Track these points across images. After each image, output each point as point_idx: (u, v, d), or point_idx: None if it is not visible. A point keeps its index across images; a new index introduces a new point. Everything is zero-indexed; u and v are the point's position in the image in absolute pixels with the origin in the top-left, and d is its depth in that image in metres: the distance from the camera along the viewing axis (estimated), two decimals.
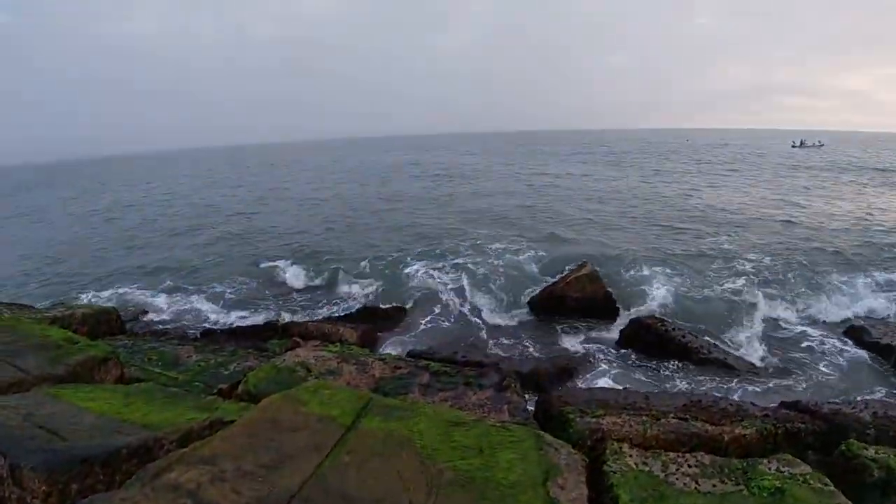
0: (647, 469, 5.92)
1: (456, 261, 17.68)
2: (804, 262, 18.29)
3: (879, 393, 10.14)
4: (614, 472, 5.74)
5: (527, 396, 8.31)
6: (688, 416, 7.69)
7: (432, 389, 7.91)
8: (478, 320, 12.39)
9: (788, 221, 26.77)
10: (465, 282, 15.15)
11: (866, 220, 27.28)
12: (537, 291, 14.30)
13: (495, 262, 17.24)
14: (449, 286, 15.11)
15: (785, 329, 13.35)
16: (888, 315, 14.57)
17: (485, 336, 11.43)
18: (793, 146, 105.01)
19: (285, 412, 5.66)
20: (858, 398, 9.42)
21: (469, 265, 16.93)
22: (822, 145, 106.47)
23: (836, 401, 9.32)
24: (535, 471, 5.28)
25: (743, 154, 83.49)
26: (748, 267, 17.71)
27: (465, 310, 13.38)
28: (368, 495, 4.60)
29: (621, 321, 12.87)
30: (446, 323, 11.73)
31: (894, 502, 6.31)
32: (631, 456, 6.11)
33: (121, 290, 17.86)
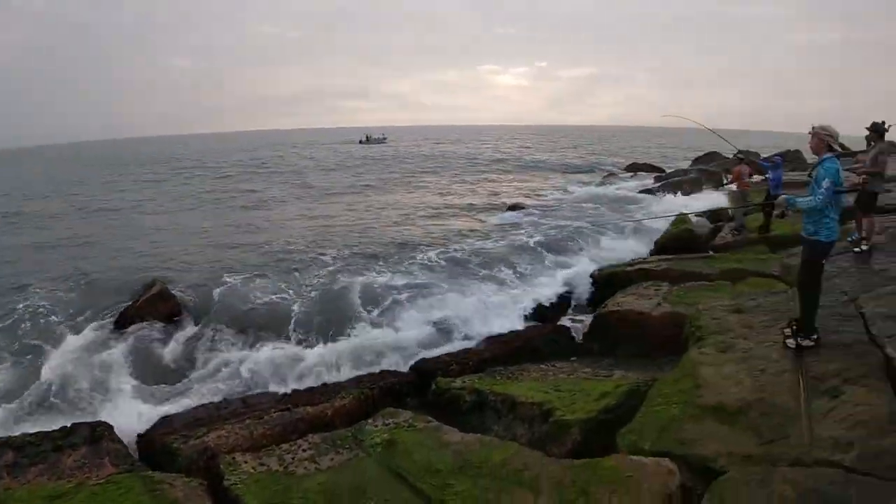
0: (265, 468, 6.29)
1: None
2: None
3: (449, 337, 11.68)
4: (235, 485, 5.98)
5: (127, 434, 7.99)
6: (289, 406, 8.21)
7: (21, 468, 6.99)
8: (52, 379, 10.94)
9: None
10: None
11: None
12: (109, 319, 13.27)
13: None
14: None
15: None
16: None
17: (59, 384, 10.25)
18: (360, 142, 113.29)
19: None
20: (434, 345, 11.04)
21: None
22: (385, 139, 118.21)
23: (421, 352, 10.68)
24: None
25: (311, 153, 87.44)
26: (328, 258, 18.63)
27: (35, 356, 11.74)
28: None
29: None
30: (20, 388, 10.25)
31: (489, 415, 7.48)
32: (246, 462, 6.42)
33: None
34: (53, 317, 13.42)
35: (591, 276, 14.35)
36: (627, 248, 18.40)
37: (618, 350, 10.21)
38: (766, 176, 16.22)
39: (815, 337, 6.89)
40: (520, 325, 11.76)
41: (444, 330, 11.65)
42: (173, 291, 14.23)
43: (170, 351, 11.53)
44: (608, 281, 13.51)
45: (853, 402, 5.67)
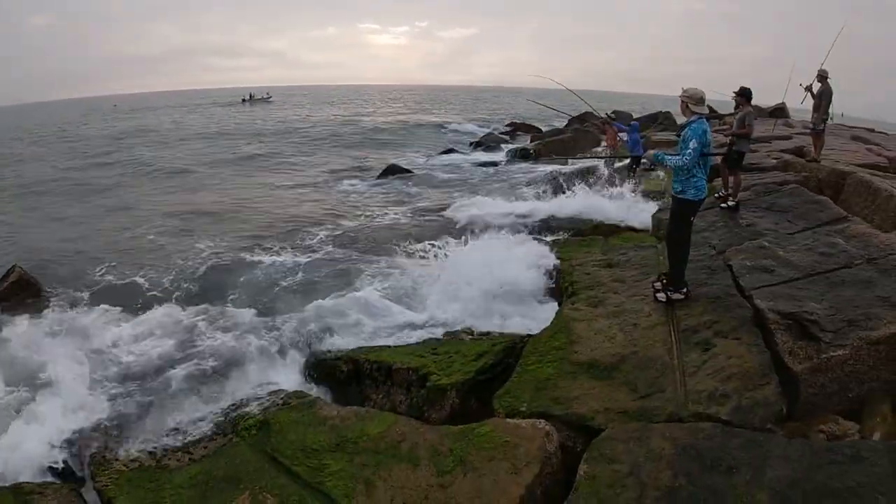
0: (137, 465, 6.08)
1: None
2: None
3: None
4: (107, 486, 5.74)
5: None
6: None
7: None
8: None
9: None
10: None
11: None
12: None
13: None
14: None
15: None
16: None
17: None
18: (243, 101, 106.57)
19: None
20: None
21: None
22: (271, 98, 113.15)
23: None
24: None
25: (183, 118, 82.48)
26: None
27: None
28: None
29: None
30: None
31: (367, 385, 7.41)
32: (117, 459, 6.19)
33: None
34: None
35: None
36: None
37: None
38: (623, 138, 16.88)
39: (685, 290, 7.19)
40: None
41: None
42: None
43: (32, 341, 10.80)
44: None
45: (725, 354, 5.94)
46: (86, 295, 12.79)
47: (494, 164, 28.05)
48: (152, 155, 36.09)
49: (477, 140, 39.09)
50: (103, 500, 5.68)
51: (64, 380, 8.85)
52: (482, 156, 31.49)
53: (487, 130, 46.67)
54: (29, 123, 77.58)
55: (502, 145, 35.50)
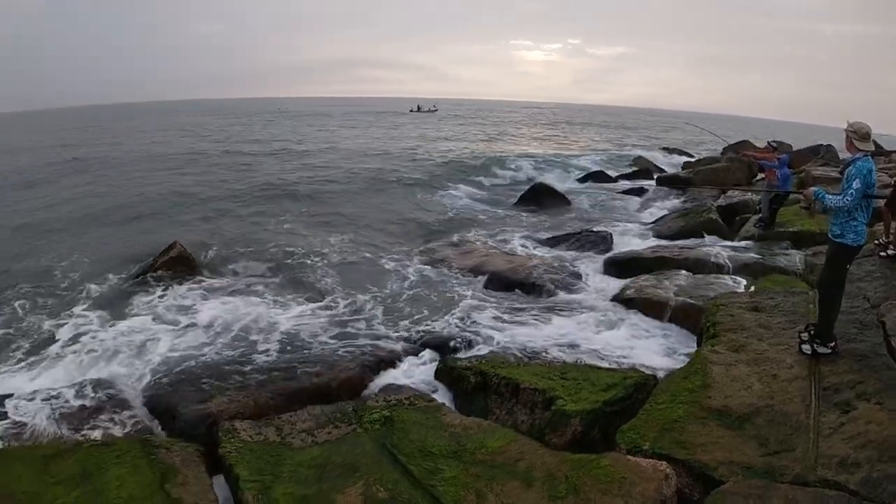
0: (262, 438, 6.38)
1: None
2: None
3: (476, 309, 11.71)
4: (230, 452, 6.07)
5: (135, 395, 8.20)
6: (294, 374, 8.27)
7: (24, 420, 7.36)
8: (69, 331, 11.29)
9: None
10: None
11: None
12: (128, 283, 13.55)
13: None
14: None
15: (396, 263, 15.01)
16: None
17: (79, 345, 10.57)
18: (411, 111, 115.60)
19: None
20: (454, 316, 10.97)
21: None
22: (436, 109, 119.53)
23: (436, 323, 10.73)
24: (149, 479, 5.49)
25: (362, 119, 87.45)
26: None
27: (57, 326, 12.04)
28: None
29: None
30: (36, 347, 10.56)
31: (493, 399, 7.40)
32: (245, 430, 6.50)
33: None
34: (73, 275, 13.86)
35: (608, 259, 14.28)
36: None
37: (632, 331, 10.04)
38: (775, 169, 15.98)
39: (833, 344, 6.82)
40: None
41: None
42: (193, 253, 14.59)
43: (187, 314, 11.66)
44: (626, 264, 13.38)
45: (865, 419, 5.61)
46: (235, 277, 13.93)
47: (642, 190, 27.08)
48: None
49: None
50: (224, 466, 6.00)
51: (206, 352, 9.58)
52: (627, 183, 30.37)
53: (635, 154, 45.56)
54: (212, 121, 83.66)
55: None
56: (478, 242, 16.94)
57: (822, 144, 39.36)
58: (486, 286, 12.78)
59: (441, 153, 40.30)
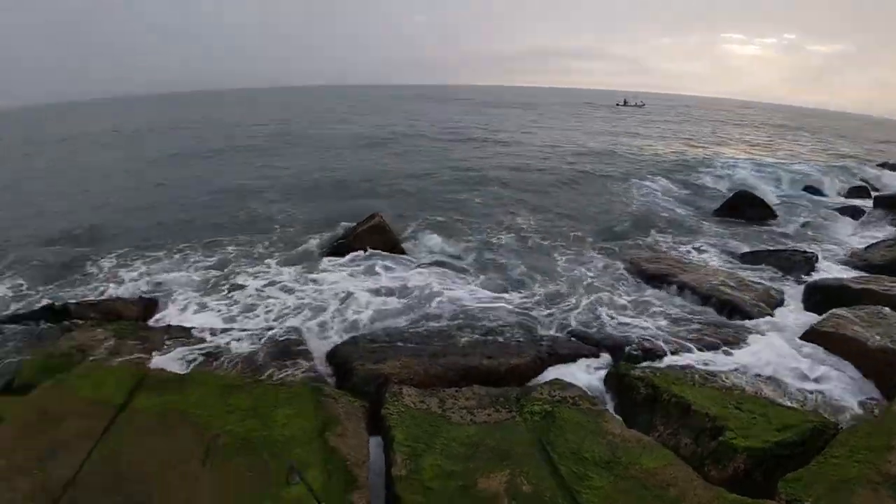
0: (425, 407, 6.51)
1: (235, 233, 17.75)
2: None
3: (652, 315, 11.36)
4: (391, 415, 6.27)
5: (317, 348, 8.83)
6: (467, 352, 8.38)
7: (218, 354, 8.31)
8: (261, 284, 12.41)
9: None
10: (250, 254, 15.07)
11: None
12: (327, 246, 14.56)
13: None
14: (225, 259, 14.97)
15: (582, 258, 14.84)
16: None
17: (273, 298, 11.53)
18: (617, 105, 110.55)
19: (55, 400, 5.91)
20: (631, 322, 10.58)
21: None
22: (644, 104, 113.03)
23: (611, 325, 10.42)
24: (313, 423, 5.83)
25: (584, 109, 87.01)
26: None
27: (249, 278, 13.28)
28: (145, 471, 5.03)
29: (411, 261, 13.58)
30: (237, 291, 11.80)
31: (661, 416, 7.03)
32: (409, 396, 6.68)
33: None
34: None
35: (810, 285, 13.07)
36: None
37: (825, 372, 9.05)
38: None
39: None
40: None
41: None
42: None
43: (377, 280, 12.28)
44: (828, 293, 12.13)
45: None
46: (428, 253, 14.67)
47: (858, 210, 23.93)
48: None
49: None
50: (384, 427, 6.19)
51: (401, 319, 10.08)
52: (841, 200, 27.15)
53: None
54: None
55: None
56: (667, 247, 16.42)
57: None
58: (671, 296, 12.23)
59: (644, 150, 39.09)
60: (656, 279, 13.01)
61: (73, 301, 11.06)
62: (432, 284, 11.80)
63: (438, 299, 11.02)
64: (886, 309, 10.18)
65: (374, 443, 6.08)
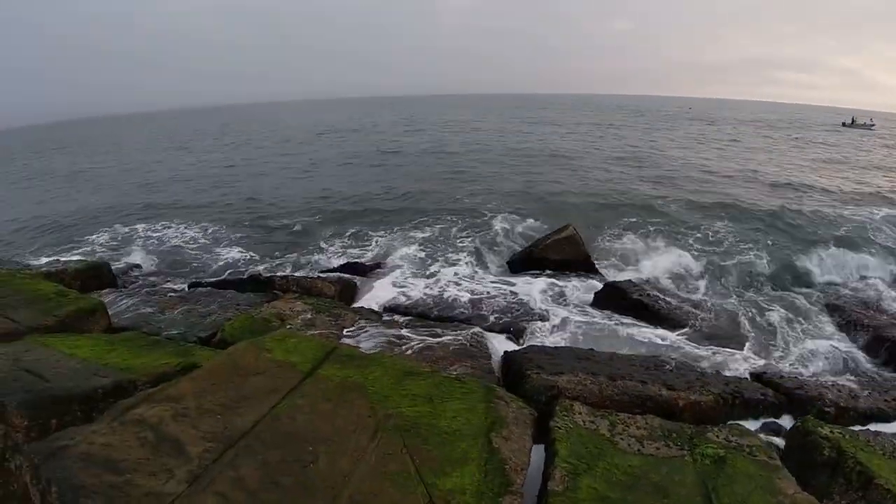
0: (594, 427, 6.43)
1: (438, 222, 18.49)
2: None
3: (837, 367, 10.58)
4: (559, 428, 6.27)
5: (495, 351, 8.99)
6: (646, 380, 8.12)
7: (402, 341, 8.72)
8: (453, 282, 12.78)
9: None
10: (448, 242, 15.57)
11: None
12: (518, 252, 14.72)
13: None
14: (426, 247, 15.59)
15: (770, 297, 13.96)
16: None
17: (461, 294, 11.86)
18: (843, 125, 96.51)
19: (248, 358, 6.42)
20: (826, 377, 9.86)
21: (452, 228, 17.84)
22: (874, 125, 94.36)
23: (804, 377, 9.71)
24: (480, 421, 5.93)
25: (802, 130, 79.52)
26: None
27: (444, 268, 13.77)
28: (316, 435, 5.33)
29: (599, 283, 12.96)
30: (424, 281, 12.33)
31: (841, 483, 6.48)
32: (580, 413, 6.62)
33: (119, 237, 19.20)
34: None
35: None
36: None
37: None
38: None
39: None
40: None
41: None
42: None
43: (562, 289, 12.31)
44: None
45: None
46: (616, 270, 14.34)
47: None
48: None
49: None
50: (549, 439, 6.20)
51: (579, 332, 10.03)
52: None
53: None
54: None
55: None
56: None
57: None
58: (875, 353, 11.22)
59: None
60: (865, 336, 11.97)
61: (281, 274, 12.00)
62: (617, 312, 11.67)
63: (619, 325, 10.88)
64: None
65: (536, 452, 6.07)
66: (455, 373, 7.50)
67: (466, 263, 13.64)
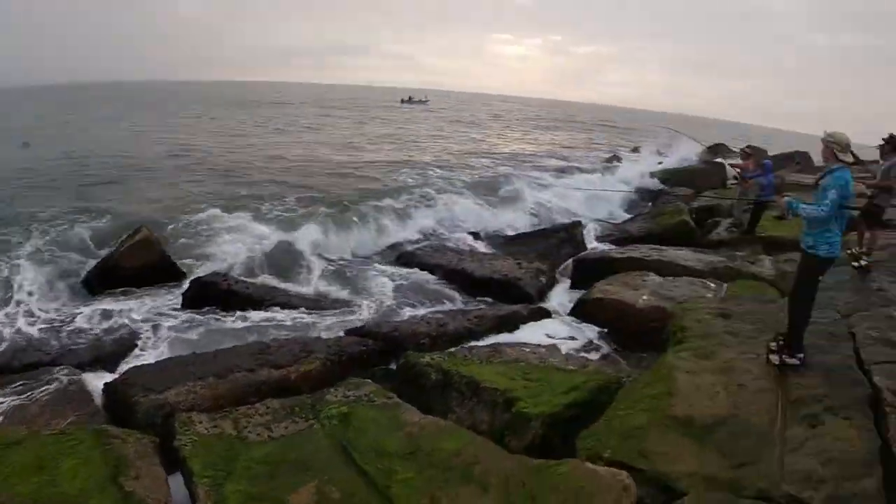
0: (219, 431, 6.21)
1: None
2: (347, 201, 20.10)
3: (432, 305, 11.85)
4: (185, 445, 5.93)
5: (95, 388, 8.03)
6: (254, 367, 7.99)
7: None
8: (25, 313, 11.02)
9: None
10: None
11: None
12: (92, 267, 13.17)
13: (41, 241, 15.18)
14: None
15: (344, 262, 14.81)
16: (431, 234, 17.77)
17: (37, 331, 10.30)
18: (402, 101, 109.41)
19: None
20: (415, 313, 11.12)
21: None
22: (428, 101, 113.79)
23: (397, 319, 10.77)
24: (102, 470, 5.32)
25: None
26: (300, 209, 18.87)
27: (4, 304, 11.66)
28: None
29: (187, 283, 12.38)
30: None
31: (455, 397, 7.26)
32: (201, 423, 6.33)
33: None
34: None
35: (577, 259, 14.24)
36: None
37: (598, 339, 10.10)
38: (757, 177, 15.97)
39: (801, 356, 6.70)
40: None
41: None
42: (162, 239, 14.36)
43: (147, 303, 11.52)
44: (595, 265, 13.32)
45: (832, 434, 5.50)
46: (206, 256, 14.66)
47: (616, 191, 25.79)
48: None
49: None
50: (180, 460, 5.83)
51: (169, 342, 9.52)
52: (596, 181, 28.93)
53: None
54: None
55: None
56: (451, 243, 16.90)
57: (797, 151, 39.35)
58: (454, 286, 12.99)
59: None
60: (442, 273, 13.71)
61: None
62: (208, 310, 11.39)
63: (217, 318, 10.71)
64: (652, 274, 11.39)
65: (176, 479, 5.74)
66: (59, 427, 6.60)
67: (37, 291, 11.64)
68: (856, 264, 10.11)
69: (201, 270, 13.04)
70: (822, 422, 5.70)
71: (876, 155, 10.84)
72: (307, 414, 6.60)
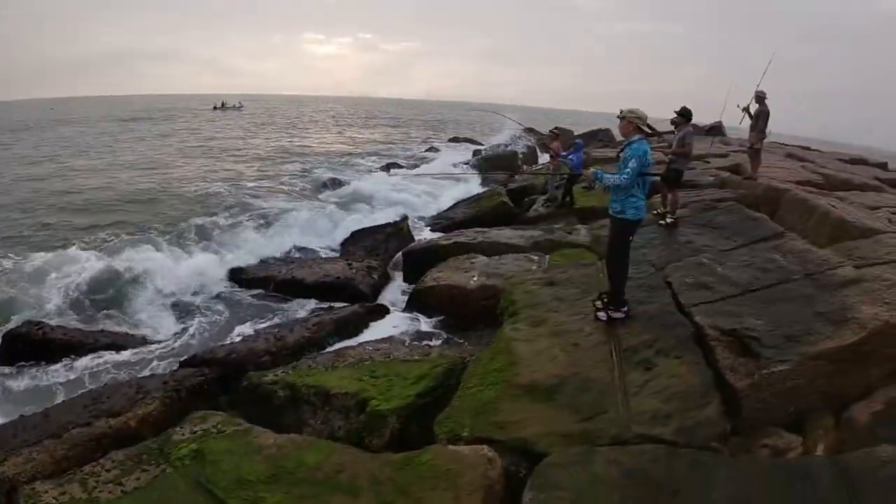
0: (67, 497, 5.68)
1: None
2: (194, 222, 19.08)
3: (269, 320, 11.48)
4: None
5: None
6: (90, 420, 7.30)
7: None
8: None
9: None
10: None
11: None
12: None
13: None
14: None
15: (173, 290, 13.86)
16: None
17: None
18: (214, 108, 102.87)
19: None
20: (253, 330, 10.74)
21: None
22: (243, 106, 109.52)
23: (233, 341, 10.28)
24: None
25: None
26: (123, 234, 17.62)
27: None
28: None
29: None
30: None
31: (305, 410, 7.08)
32: (47, 492, 5.75)
33: None
34: None
35: (405, 251, 14.49)
36: None
37: (437, 326, 10.36)
38: (569, 156, 17.00)
39: (626, 309, 7.25)
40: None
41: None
42: None
43: None
44: (425, 255, 13.60)
45: (667, 373, 5.99)
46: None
47: (435, 181, 26.26)
48: None
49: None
50: None
51: None
52: (412, 174, 29.32)
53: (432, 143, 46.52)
54: None
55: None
56: (279, 254, 16.61)
57: (600, 129, 42.50)
58: (288, 296, 12.79)
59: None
60: (271, 283, 13.51)
61: None
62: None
63: (44, 370, 9.84)
64: (480, 256, 11.82)
65: None
66: None
67: None
68: (662, 223, 11.17)
69: (13, 322, 11.67)
70: (656, 364, 6.22)
71: (670, 127, 11.91)
72: (156, 459, 6.15)
